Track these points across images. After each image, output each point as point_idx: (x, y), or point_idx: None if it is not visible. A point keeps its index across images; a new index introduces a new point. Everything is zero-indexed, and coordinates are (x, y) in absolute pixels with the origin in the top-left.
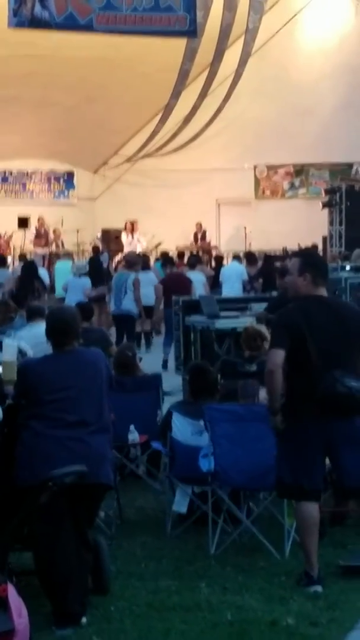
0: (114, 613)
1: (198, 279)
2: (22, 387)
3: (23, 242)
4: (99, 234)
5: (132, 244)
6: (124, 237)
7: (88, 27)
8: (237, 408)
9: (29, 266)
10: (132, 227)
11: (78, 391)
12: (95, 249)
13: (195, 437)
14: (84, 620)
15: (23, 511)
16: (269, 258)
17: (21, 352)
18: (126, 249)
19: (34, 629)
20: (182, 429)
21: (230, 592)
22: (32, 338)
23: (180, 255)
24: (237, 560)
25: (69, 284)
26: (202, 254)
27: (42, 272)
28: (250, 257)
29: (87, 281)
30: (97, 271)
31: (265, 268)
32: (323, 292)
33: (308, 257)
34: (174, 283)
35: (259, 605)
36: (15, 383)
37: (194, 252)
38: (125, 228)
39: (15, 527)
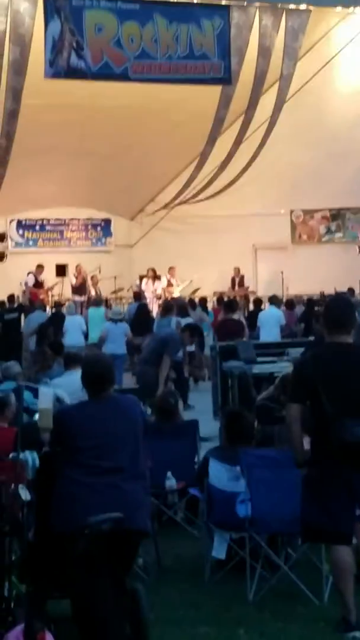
0: None
1: None
2: (57, 434)
3: (61, 290)
4: (138, 281)
5: (154, 290)
6: (144, 285)
7: (124, 76)
8: (273, 453)
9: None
10: (154, 274)
11: (113, 438)
12: (136, 295)
13: (232, 482)
14: None
15: (60, 558)
16: (311, 302)
17: (58, 400)
18: (148, 296)
19: None
20: (219, 474)
21: (269, 639)
22: (69, 385)
23: (219, 300)
24: (275, 606)
25: (108, 331)
26: (239, 299)
27: (78, 320)
28: (288, 303)
29: (125, 326)
30: (144, 318)
31: (307, 312)
32: (345, 338)
33: (327, 304)
34: (227, 328)
35: None
36: (51, 430)
37: (231, 297)
38: (147, 275)
39: (53, 574)
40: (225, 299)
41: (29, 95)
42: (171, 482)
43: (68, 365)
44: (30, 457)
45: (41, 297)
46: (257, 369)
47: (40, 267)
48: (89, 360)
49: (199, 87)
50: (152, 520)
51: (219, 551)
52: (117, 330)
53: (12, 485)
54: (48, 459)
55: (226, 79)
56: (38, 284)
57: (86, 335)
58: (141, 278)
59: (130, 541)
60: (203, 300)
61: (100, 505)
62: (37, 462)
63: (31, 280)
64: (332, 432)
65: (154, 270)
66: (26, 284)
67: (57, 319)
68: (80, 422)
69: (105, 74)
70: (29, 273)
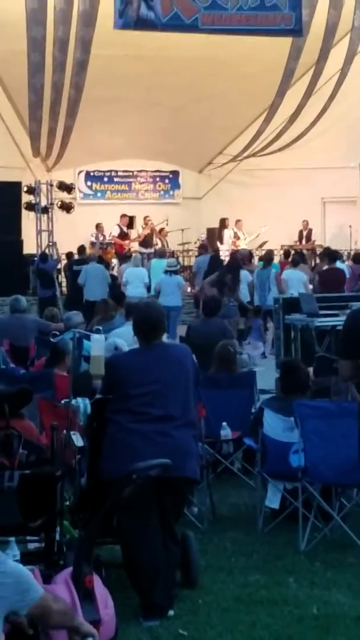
0: (201, 606)
1: (298, 277)
2: (109, 381)
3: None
4: (204, 235)
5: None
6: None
7: (193, 27)
8: (327, 404)
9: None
10: (224, 224)
11: (164, 386)
12: (203, 247)
13: (286, 433)
14: (171, 612)
15: (107, 504)
16: None
17: (116, 349)
18: (226, 247)
19: (121, 620)
20: (273, 425)
21: (318, 587)
22: (128, 335)
23: (286, 254)
24: (326, 556)
25: (161, 283)
26: (306, 252)
27: (141, 271)
28: (356, 257)
29: (179, 278)
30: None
31: None
32: None
33: None
34: (330, 278)
35: (346, 601)
36: (103, 377)
37: (299, 251)
38: (227, 226)
39: (102, 519)
40: (292, 252)
41: (98, 46)
42: (226, 432)
43: (128, 316)
44: (82, 404)
45: (126, 248)
46: (319, 322)
47: (124, 217)
48: (140, 308)
49: (269, 38)
50: (206, 470)
51: (273, 501)
52: (171, 281)
53: (64, 431)
54: (99, 405)
55: (297, 30)
56: (123, 235)
57: (149, 287)
58: (208, 230)
59: (180, 488)
60: (270, 253)
61: (149, 452)
62: (89, 408)
63: (116, 231)
64: None
65: (224, 220)
66: (97, 236)
67: (233, 269)
68: (131, 370)
69: (174, 25)
70: (97, 225)
